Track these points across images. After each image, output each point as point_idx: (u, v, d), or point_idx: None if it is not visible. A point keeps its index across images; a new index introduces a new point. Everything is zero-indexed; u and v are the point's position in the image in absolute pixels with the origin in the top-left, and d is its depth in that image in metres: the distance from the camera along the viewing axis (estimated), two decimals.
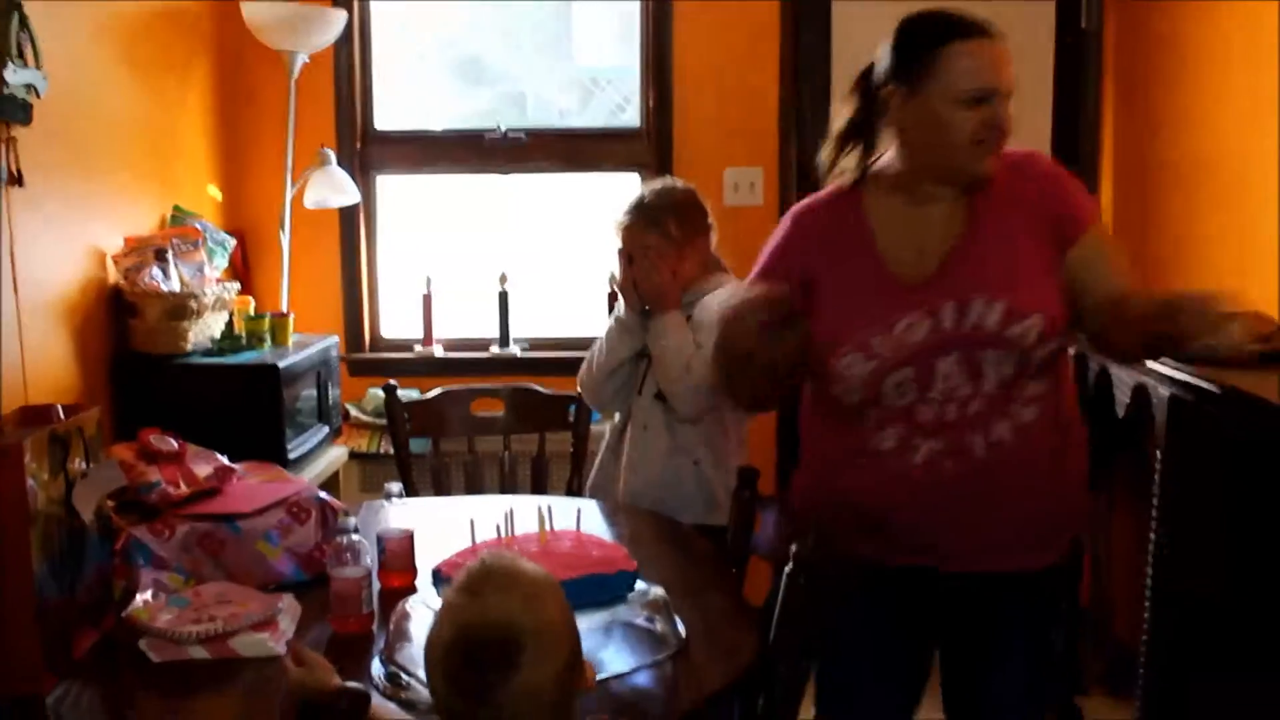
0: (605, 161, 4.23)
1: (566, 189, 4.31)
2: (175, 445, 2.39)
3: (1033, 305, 2.01)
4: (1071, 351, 3.09)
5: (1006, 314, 2.00)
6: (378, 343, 4.29)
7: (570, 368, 3.64)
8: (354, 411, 4.02)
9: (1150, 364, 2.66)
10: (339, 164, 3.90)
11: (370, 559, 2.12)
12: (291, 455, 3.23)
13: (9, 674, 1.84)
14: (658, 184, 3.00)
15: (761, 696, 2.07)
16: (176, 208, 3.50)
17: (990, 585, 2.17)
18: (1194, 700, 2.64)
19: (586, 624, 1.97)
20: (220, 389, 3.17)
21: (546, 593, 1.46)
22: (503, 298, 4.12)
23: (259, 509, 2.30)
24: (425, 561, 2.23)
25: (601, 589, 1.98)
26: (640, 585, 2.05)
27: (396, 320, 4.30)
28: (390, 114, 4.27)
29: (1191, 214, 3.43)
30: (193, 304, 3.16)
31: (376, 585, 2.20)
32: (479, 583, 1.44)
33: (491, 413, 3.47)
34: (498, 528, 2.08)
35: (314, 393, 3.48)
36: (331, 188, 3.85)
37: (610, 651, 2.00)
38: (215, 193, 3.88)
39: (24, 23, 2.59)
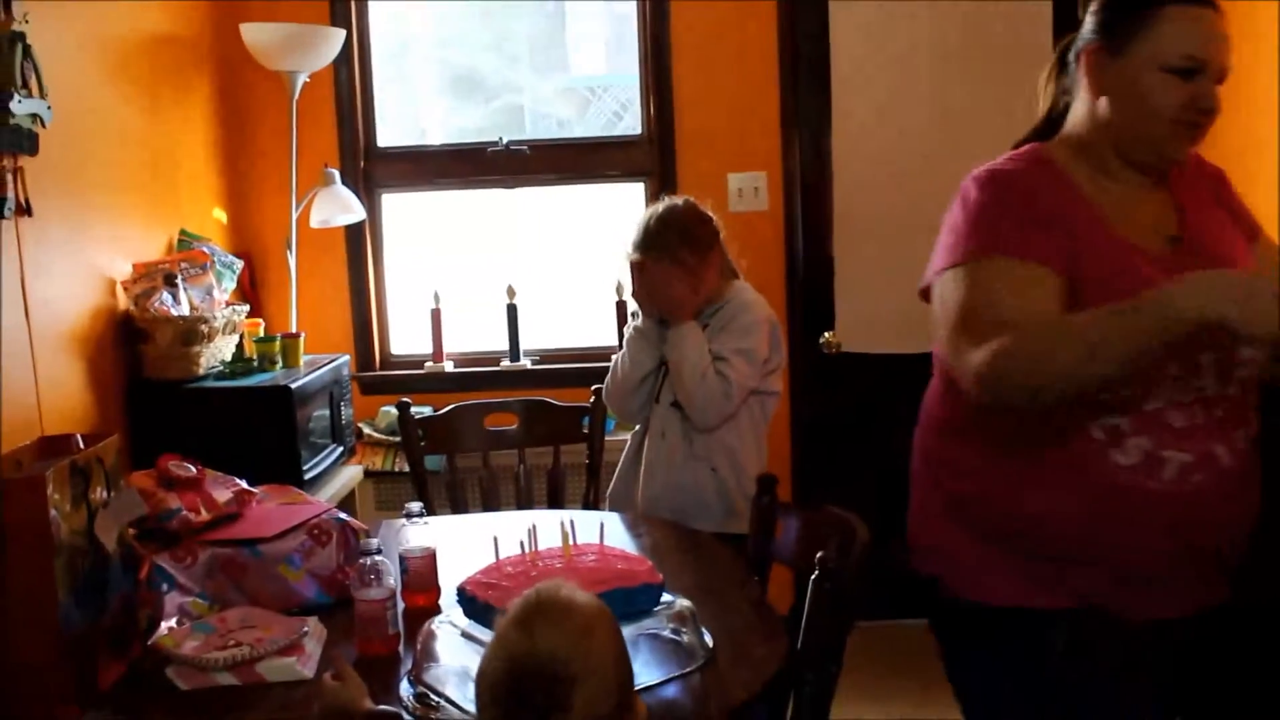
0: (608, 170, 4.23)
1: (570, 199, 4.31)
2: (194, 471, 2.39)
3: None
4: None
5: None
6: (388, 360, 4.28)
7: (581, 379, 3.65)
8: (367, 430, 4.02)
9: None
10: (343, 182, 3.90)
11: (394, 579, 2.12)
12: (307, 476, 3.22)
13: (37, 706, 1.84)
14: (660, 209, 2.97)
15: (790, 704, 2.07)
16: (183, 232, 3.50)
17: (1229, 627, 1.92)
18: None
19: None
20: (234, 412, 3.16)
21: (600, 626, 1.45)
22: (511, 311, 4.12)
23: (280, 533, 2.30)
24: (449, 580, 2.23)
25: (627, 602, 1.97)
26: (666, 597, 2.04)
27: (406, 337, 4.30)
28: (391, 131, 4.27)
29: None
30: (203, 328, 3.16)
31: (401, 605, 2.20)
32: (531, 616, 1.43)
33: (505, 427, 3.47)
34: (521, 544, 2.07)
35: (327, 412, 3.48)
36: (336, 206, 3.85)
37: (638, 664, 1.98)
38: (221, 215, 3.88)
39: (27, 53, 2.59)
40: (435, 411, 3.49)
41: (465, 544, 2.48)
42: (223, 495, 2.39)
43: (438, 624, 2.01)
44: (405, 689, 1.91)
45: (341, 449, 3.59)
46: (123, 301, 3.13)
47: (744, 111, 4.07)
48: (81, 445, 2.03)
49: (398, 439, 3.71)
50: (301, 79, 3.73)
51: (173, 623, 2.09)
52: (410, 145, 4.27)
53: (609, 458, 3.42)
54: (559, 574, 1.95)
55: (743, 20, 4.04)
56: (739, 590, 2.36)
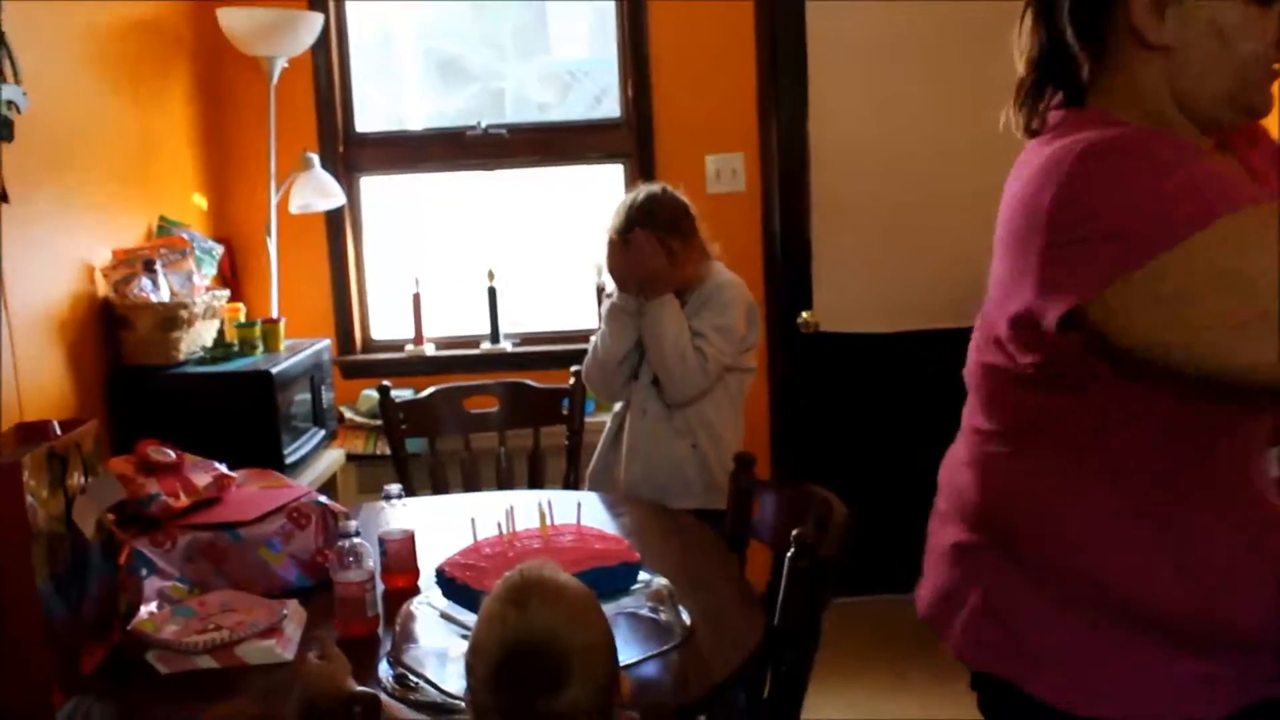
0: (587, 153, 4.23)
1: (549, 182, 4.31)
2: (173, 456, 2.40)
3: None
4: None
5: None
6: (369, 344, 4.29)
7: (561, 360, 3.66)
8: (349, 414, 4.03)
9: None
10: (322, 167, 3.90)
11: (373, 561, 2.13)
12: (288, 460, 3.23)
13: (19, 692, 1.85)
14: (641, 194, 3.01)
15: (768, 681, 2.09)
16: (163, 218, 3.50)
17: None
18: None
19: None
20: (214, 397, 3.16)
21: (590, 608, 1.47)
22: (491, 294, 4.12)
23: (259, 516, 2.31)
24: (428, 561, 2.24)
25: (605, 581, 1.98)
26: (644, 576, 2.06)
27: (387, 321, 4.31)
28: (371, 116, 4.27)
29: None
30: (183, 314, 3.16)
31: (380, 587, 2.21)
32: (522, 594, 1.44)
33: (486, 409, 3.48)
34: (499, 525, 2.08)
35: (308, 397, 3.48)
36: (316, 191, 3.85)
37: (617, 643, 2.01)
38: (201, 201, 3.88)
39: (2, 39, 2.58)
40: (416, 394, 3.50)
41: (444, 525, 2.49)
42: (202, 480, 2.39)
43: (416, 605, 2.03)
44: (384, 670, 1.92)
45: (323, 433, 3.59)
46: (102, 288, 3.13)
47: (722, 93, 4.08)
48: (59, 431, 2.03)
49: (379, 422, 3.71)
50: (280, 64, 3.72)
51: (153, 607, 2.10)
52: (389, 130, 4.27)
53: (589, 439, 3.44)
54: (537, 554, 1.97)
55: (721, 3, 4.04)
56: (717, 569, 2.38)
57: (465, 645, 1.87)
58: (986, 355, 1.60)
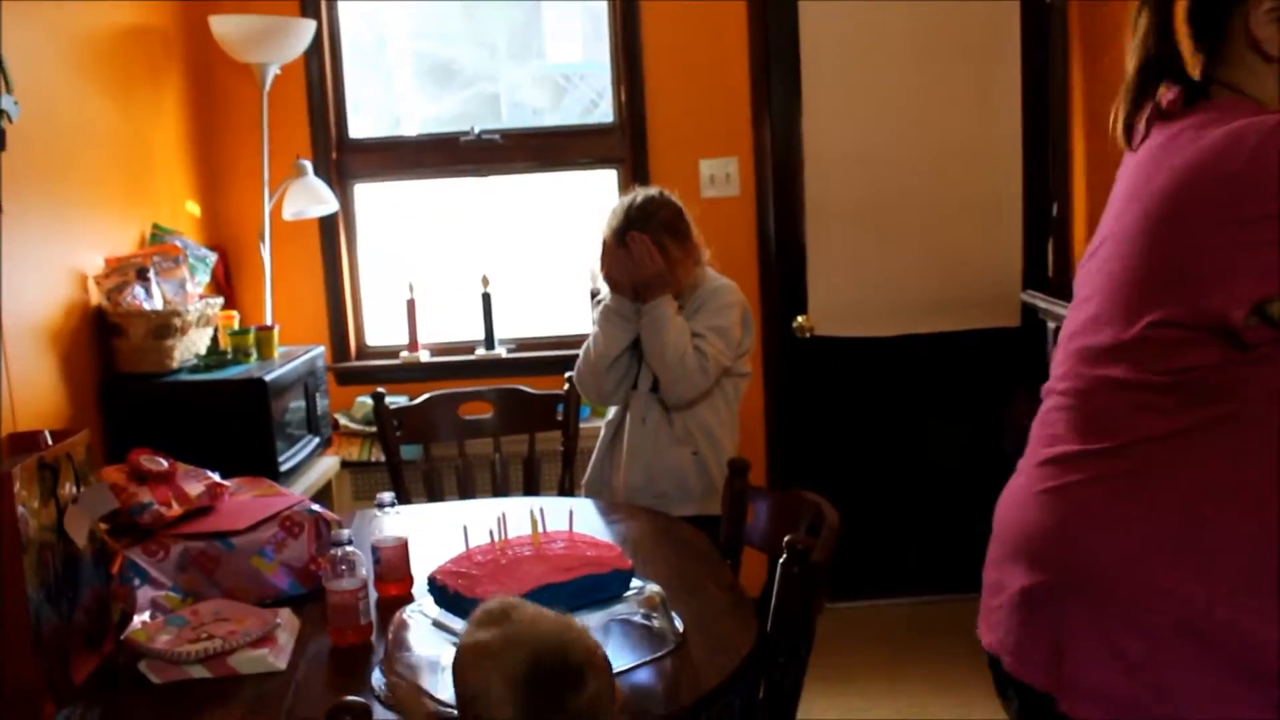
0: (581, 158, 4.23)
1: (543, 188, 4.31)
2: (165, 465, 2.39)
3: None
4: (1053, 325, 3.11)
5: None
6: (363, 351, 4.29)
7: (556, 367, 3.66)
8: (343, 421, 4.03)
9: None
10: (315, 174, 3.90)
11: (366, 569, 2.13)
12: (283, 468, 3.23)
13: (9, 702, 1.85)
14: (639, 196, 3.01)
15: (761, 687, 2.09)
16: (156, 225, 3.50)
17: None
18: None
19: (584, 624, 1.99)
20: (208, 405, 3.16)
21: (571, 619, 1.50)
22: (485, 300, 4.12)
23: (252, 525, 2.31)
24: (421, 569, 2.24)
25: (597, 589, 1.99)
26: (636, 583, 2.06)
27: (381, 327, 4.31)
28: (364, 122, 4.27)
29: None
30: (176, 321, 3.16)
31: (374, 595, 2.21)
32: (510, 611, 1.46)
33: (480, 415, 3.48)
34: (490, 533, 2.08)
35: (303, 404, 3.48)
36: (309, 198, 3.85)
37: (609, 650, 2.00)
38: (194, 209, 3.88)
39: None
40: (411, 401, 3.50)
41: (437, 533, 2.49)
42: (195, 488, 2.39)
43: (409, 613, 2.02)
44: (377, 678, 1.92)
45: (318, 440, 3.59)
46: (95, 296, 3.13)
47: (715, 98, 4.08)
48: (50, 441, 2.03)
49: (374, 429, 3.71)
50: (272, 71, 3.72)
51: (146, 616, 2.10)
52: (382, 136, 4.27)
53: (584, 445, 3.44)
54: (528, 561, 1.97)
55: (713, 6, 4.04)
56: (710, 575, 2.38)
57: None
58: (1100, 368, 1.46)
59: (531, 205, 4.32)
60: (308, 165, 3.86)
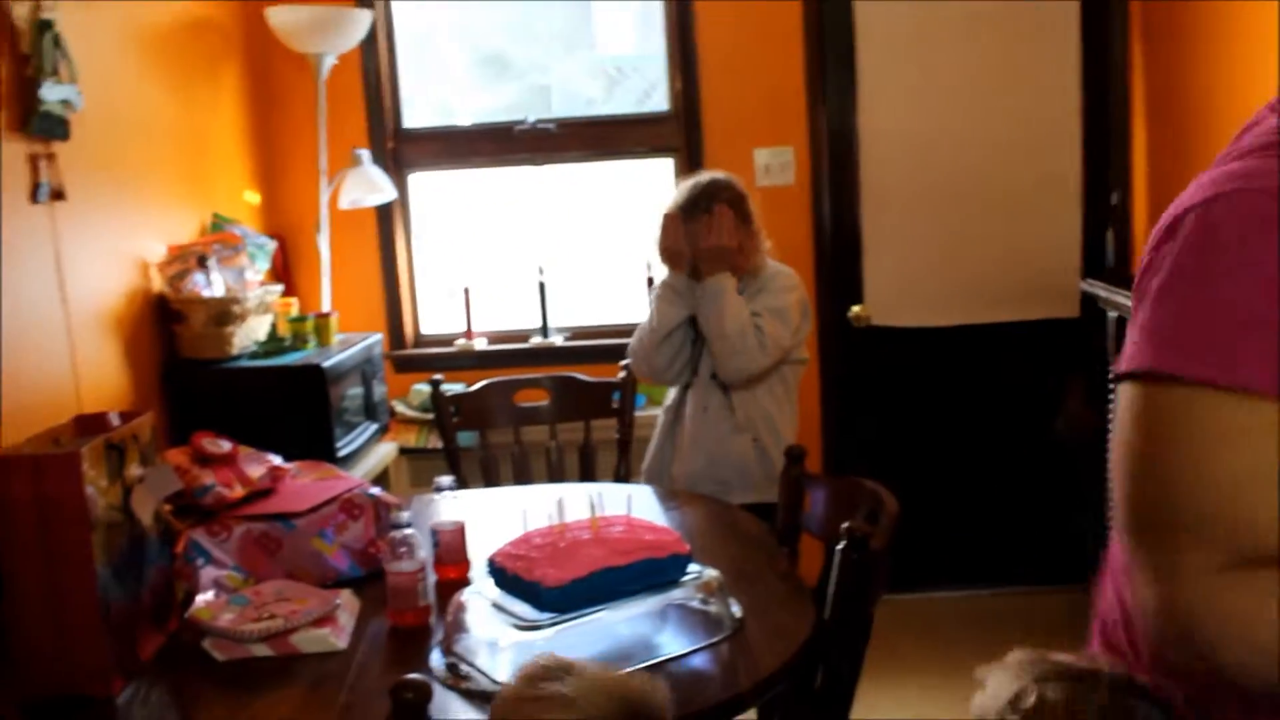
0: (635, 147, 4.23)
1: (598, 177, 4.32)
2: (228, 448, 2.42)
3: None
4: (1114, 315, 3.08)
5: None
6: (420, 339, 4.32)
7: (611, 355, 3.67)
8: (400, 408, 4.06)
9: None
10: (372, 163, 3.92)
11: (424, 552, 2.15)
12: (341, 453, 3.26)
13: (79, 677, 1.88)
14: (706, 176, 3.07)
15: (818, 676, 2.08)
16: (216, 214, 3.54)
17: None
18: None
19: (641, 608, 2.00)
20: (268, 391, 3.20)
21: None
22: (541, 288, 4.14)
23: (313, 507, 2.33)
24: (478, 553, 2.25)
25: (655, 573, 1.99)
26: (694, 568, 2.06)
27: (437, 315, 4.33)
28: (419, 111, 4.29)
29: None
30: (236, 309, 3.20)
31: (432, 578, 2.23)
32: (562, 666, 1.37)
33: (536, 403, 3.49)
34: (550, 516, 2.08)
35: (360, 391, 3.51)
36: (366, 187, 3.87)
37: (666, 635, 2.01)
38: (253, 197, 3.92)
39: (57, 40, 2.62)
40: (467, 388, 3.52)
41: (495, 517, 2.51)
42: (256, 471, 2.42)
43: (468, 595, 2.04)
44: (436, 659, 1.94)
45: (375, 426, 3.62)
46: (157, 283, 3.17)
47: (770, 86, 4.06)
48: (117, 423, 2.06)
49: (430, 416, 3.73)
50: (329, 61, 3.75)
51: (209, 595, 2.13)
52: (437, 125, 4.29)
53: (639, 433, 3.44)
54: (587, 545, 1.97)
55: None
56: (767, 562, 2.38)
57: (516, 635, 1.89)
58: None
59: (586, 194, 4.33)
60: (365, 154, 3.89)
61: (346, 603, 2.14)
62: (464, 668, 1.88)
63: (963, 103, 4.05)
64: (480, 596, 2.02)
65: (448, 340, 4.25)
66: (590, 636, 1.93)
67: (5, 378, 2.42)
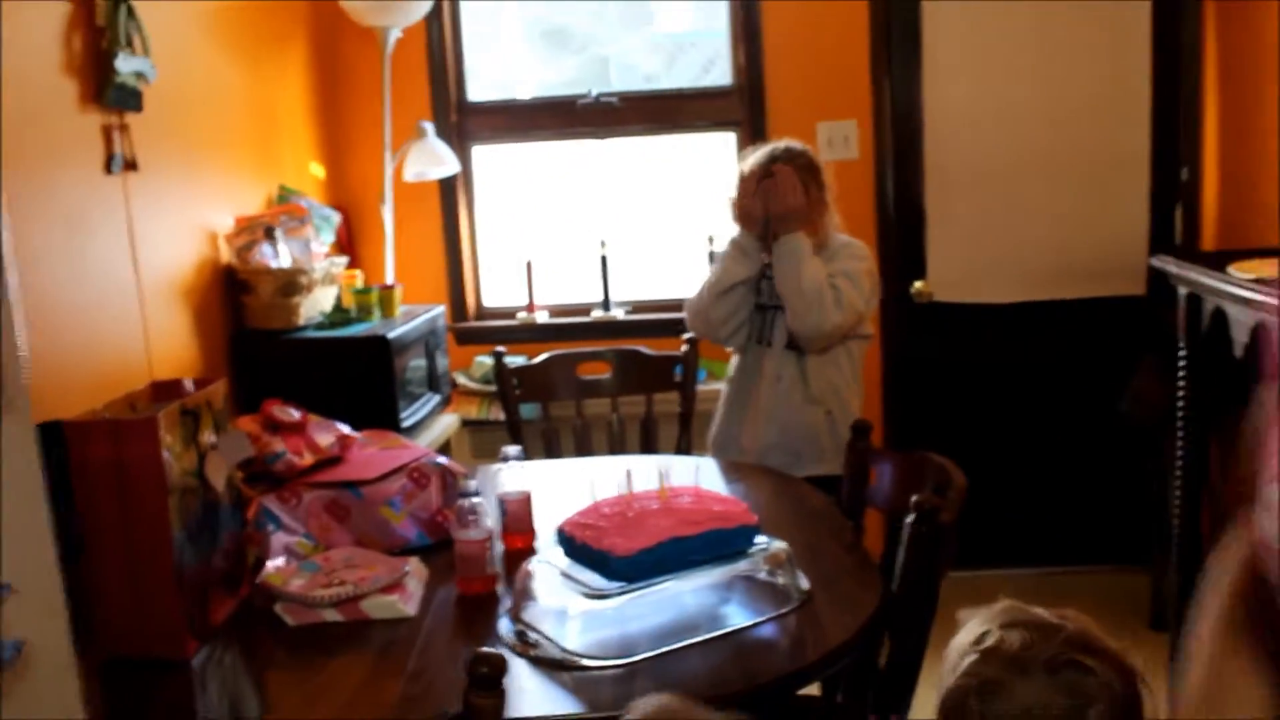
0: (698, 121, 4.22)
1: (660, 150, 4.31)
2: (298, 416, 2.45)
3: None
4: (1185, 292, 3.04)
5: None
6: (482, 311, 4.33)
7: (672, 329, 3.66)
8: (462, 380, 4.08)
9: (1271, 300, 2.54)
10: (435, 136, 3.94)
11: (491, 521, 2.16)
12: (404, 424, 3.28)
13: (154, 639, 1.91)
14: (779, 144, 3.10)
15: (884, 649, 2.08)
16: (282, 186, 3.57)
17: None
18: None
19: (709, 579, 2.01)
20: (333, 361, 3.22)
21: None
22: (603, 261, 4.14)
23: (381, 475, 2.35)
24: (544, 524, 2.27)
25: (723, 544, 1.99)
26: (761, 539, 2.05)
27: (499, 288, 4.35)
28: (480, 85, 4.29)
29: None
30: (302, 279, 3.22)
31: (499, 547, 2.24)
32: (670, 713, 1.35)
33: (598, 376, 3.50)
34: (618, 486, 2.09)
35: (423, 362, 3.53)
36: (430, 160, 3.89)
37: (733, 606, 2.02)
38: (318, 170, 3.95)
39: (131, 13, 2.65)
40: (530, 360, 3.53)
41: (560, 488, 2.52)
42: (325, 439, 2.44)
43: (535, 564, 2.05)
44: (505, 626, 1.95)
45: (438, 398, 3.64)
46: (225, 254, 3.20)
47: (834, 59, 4.03)
48: (191, 389, 2.09)
49: (492, 388, 3.75)
50: (394, 35, 3.77)
51: (280, 561, 2.16)
52: (500, 99, 4.29)
53: (701, 407, 3.44)
54: (655, 515, 1.97)
55: None
56: (833, 535, 2.37)
57: (584, 604, 1.90)
58: None
59: (648, 168, 4.32)
60: (429, 127, 3.90)
61: (415, 570, 2.16)
62: (532, 635, 1.90)
63: (1029, 77, 3.99)
64: (548, 565, 2.03)
65: (510, 313, 4.27)
66: (658, 606, 1.94)
67: (81, 345, 2.46)
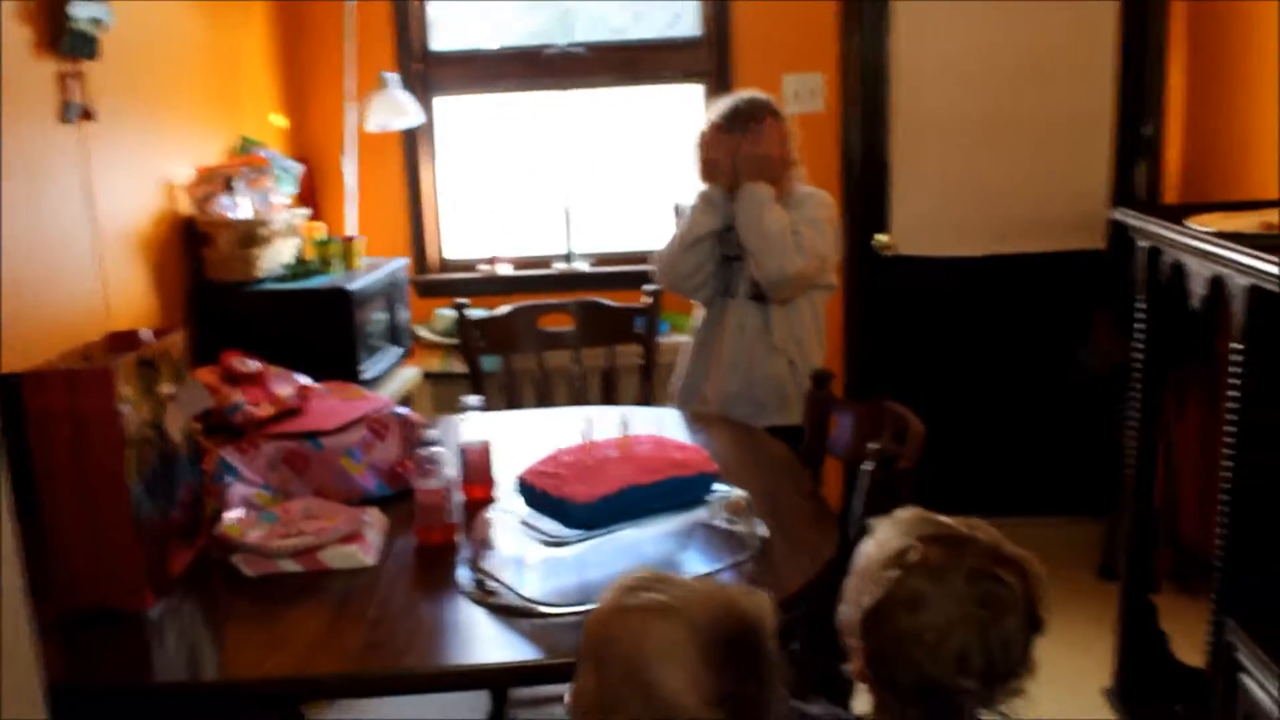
0: (665, 72, 4.19)
1: (626, 102, 4.28)
2: (257, 367, 2.44)
3: None
4: (1144, 245, 3.06)
5: None
6: (444, 264, 4.31)
7: (635, 281, 3.66)
8: (423, 332, 4.06)
9: (1228, 253, 2.56)
10: (399, 87, 3.90)
11: (452, 471, 2.16)
12: (365, 377, 3.26)
13: (112, 590, 1.90)
14: (746, 94, 3.11)
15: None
16: (243, 137, 3.53)
17: None
18: (1269, 597, 2.61)
19: (668, 526, 2.02)
20: (293, 314, 3.20)
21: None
22: (566, 214, 4.12)
23: (341, 426, 2.35)
24: (505, 473, 2.27)
25: (682, 491, 2.00)
26: (720, 487, 2.07)
27: (462, 240, 4.33)
28: (445, 35, 4.25)
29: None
30: (262, 231, 3.20)
31: (459, 497, 2.25)
32: (657, 580, 1.40)
33: (561, 328, 3.49)
34: (581, 434, 2.09)
35: (385, 315, 3.52)
36: (393, 111, 3.85)
37: (691, 553, 2.03)
38: (280, 121, 3.91)
39: None
40: (491, 313, 3.52)
41: (521, 438, 2.52)
42: (285, 390, 2.44)
43: (495, 513, 2.06)
44: (464, 575, 1.96)
45: (399, 351, 3.63)
46: (184, 205, 3.17)
47: (801, 12, 4.01)
48: (150, 340, 2.07)
49: (454, 341, 3.74)
50: None
51: (239, 513, 2.15)
52: (465, 49, 4.25)
53: (663, 359, 3.45)
54: (615, 463, 1.98)
55: None
56: (792, 483, 2.39)
57: (543, 552, 1.91)
58: None
59: (614, 119, 4.29)
60: (392, 78, 3.86)
61: (374, 520, 2.16)
62: (491, 583, 1.91)
63: (996, 32, 3.99)
64: (507, 514, 2.04)
65: (472, 265, 4.25)
66: (616, 553, 1.95)
67: (38, 297, 2.44)
